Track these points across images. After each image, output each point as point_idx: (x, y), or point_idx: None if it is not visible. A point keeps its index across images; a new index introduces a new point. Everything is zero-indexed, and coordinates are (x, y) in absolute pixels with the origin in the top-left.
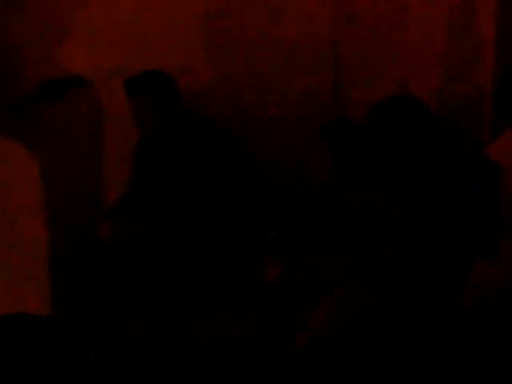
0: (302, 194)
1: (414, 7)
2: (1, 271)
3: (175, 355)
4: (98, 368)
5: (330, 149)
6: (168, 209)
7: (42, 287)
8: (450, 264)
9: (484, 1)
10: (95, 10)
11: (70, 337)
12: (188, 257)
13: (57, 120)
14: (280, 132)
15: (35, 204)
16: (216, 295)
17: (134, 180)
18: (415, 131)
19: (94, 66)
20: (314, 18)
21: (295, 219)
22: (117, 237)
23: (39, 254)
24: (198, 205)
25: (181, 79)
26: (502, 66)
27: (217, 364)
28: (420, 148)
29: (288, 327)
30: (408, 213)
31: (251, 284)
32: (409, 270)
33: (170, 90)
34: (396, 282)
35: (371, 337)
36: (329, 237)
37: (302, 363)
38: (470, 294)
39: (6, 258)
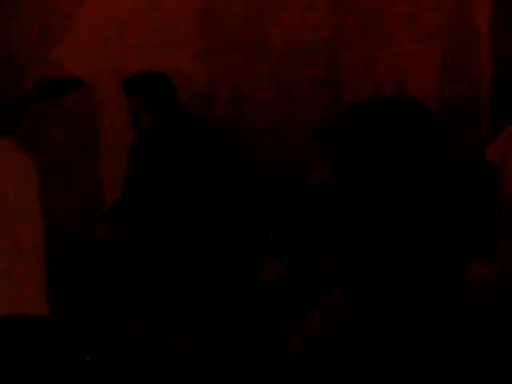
0: (302, 194)
1: (413, 8)
2: None
3: (175, 355)
4: (97, 368)
5: (325, 149)
6: (167, 209)
7: (41, 287)
8: (450, 264)
9: (480, 2)
10: (93, 10)
11: (69, 338)
12: (187, 257)
13: (55, 120)
14: (279, 132)
15: (33, 204)
16: (215, 295)
17: (131, 180)
18: (414, 132)
19: (92, 66)
20: (312, 18)
21: (295, 219)
22: (116, 237)
23: (37, 254)
24: (196, 205)
25: (178, 80)
26: (499, 64)
27: (216, 364)
28: (419, 148)
29: (286, 327)
30: (408, 213)
31: (251, 284)
32: (408, 270)
33: (167, 91)
34: (395, 282)
35: (370, 337)
36: (329, 237)
37: (301, 363)
38: (470, 294)
39: (4, 258)
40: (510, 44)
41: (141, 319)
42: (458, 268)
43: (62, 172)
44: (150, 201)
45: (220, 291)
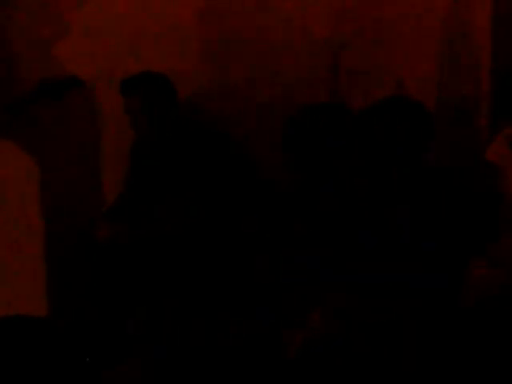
0: (302, 194)
1: (411, 8)
2: None
3: (175, 355)
4: (96, 369)
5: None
6: (167, 209)
7: (41, 288)
8: (449, 264)
9: (479, 3)
10: (92, 11)
11: (69, 338)
12: (187, 257)
13: (55, 120)
14: (277, 133)
15: (33, 204)
16: (216, 295)
17: (131, 180)
18: (414, 132)
19: (91, 66)
20: (312, 18)
21: (295, 219)
22: (115, 237)
23: (37, 254)
24: (196, 205)
25: (177, 81)
26: (499, 64)
27: (216, 364)
28: (418, 148)
29: (287, 327)
30: (407, 213)
31: (249, 284)
32: (407, 269)
33: (165, 92)
34: (395, 283)
35: (370, 337)
36: (327, 237)
37: (301, 363)
38: (470, 295)
39: (4, 259)
40: (510, 44)
41: (140, 319)
42: (457, 268)
43: (62, 172)
44: (150, 201)
45: (220, 291)
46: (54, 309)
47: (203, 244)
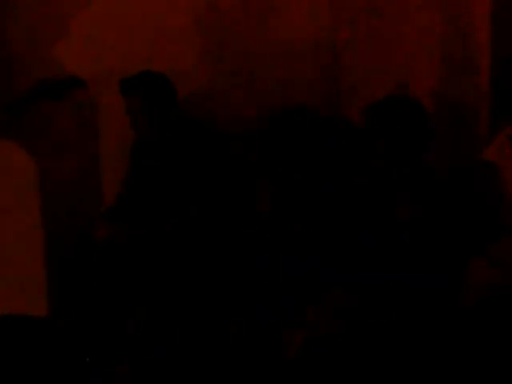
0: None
1: (411, 9)
2: None
3: (175, 355)
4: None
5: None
6: (166, 209)
7: (41, 288)
8: (449, 263)
9: (478, 4)
10: (92, 11)
11: (69, 338)
12: (187, 257)
13: (55, 120)
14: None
15: (33, 204)
16: (215, 295)
17: (131, 180)
18: (413, 132)
19: (91, 66)
20: (312, 17)
21: (295, 219)
22: (114, 237)
23: (37, 254)
24: (196, 205)
25: (177, 80)
26: (499, 65)
27: (215, 364)
28: (417, 148)
29: (287, 327)
30: (407, 213)
31: (249, 283)
32: (407, 270)
33: (165, 91)
34: (395, 282)
35: (370, 337)
36: (329, 236)
37: (301, 363)
38: (470, 295)
39: (4, 259)
40: (509, 45)
41: (140, 319)
42: (457, 268)
43: (62, 172)
44: (150, 201)
45: (220, 291)
46: (54, 309)
47: (203, 244)
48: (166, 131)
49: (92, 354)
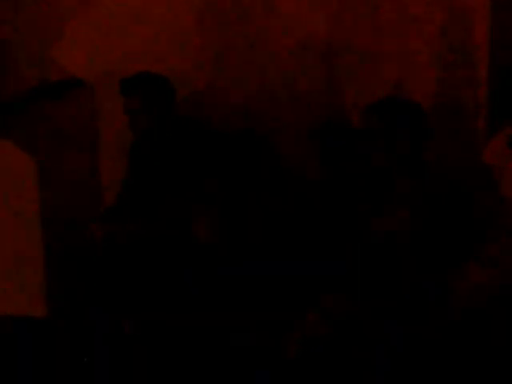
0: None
1: (410, 10)
2: None
3: (174, 355)
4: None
5: (318, 150)
6: (165, 209)
7: (40, 288)
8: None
9: (478, 2)
10: (91, 12)
11: (68, 338)
12: (185, 256)
13: (55, 120)
14: (275, 133)
15: (33, 204)
16: (214, 295)
17: (130, 180)
18: (412, 133)
19: (91, 67)
20: (310, 19)
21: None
22: (110, 238)
23: (36, 254)
24: (192, 204)
25: (176, 81)
26: (497, 66)
27: (215, 364)
28: (415, 149)
29: (285, 328)
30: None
31: (249, 283)
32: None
33: (165, 91)
34: (392, 284)
35: (366, 338)
36: (327, 239)
37: (299, 363)
38: (467, 295)
39: (3, 259)
40: (507, 46)
41: (138, 319)
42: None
43: (61, 172)
44: (149, 201)
45: (219, 291)
46: (54, 309)
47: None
48: (165, 131)
49: (90, 354)
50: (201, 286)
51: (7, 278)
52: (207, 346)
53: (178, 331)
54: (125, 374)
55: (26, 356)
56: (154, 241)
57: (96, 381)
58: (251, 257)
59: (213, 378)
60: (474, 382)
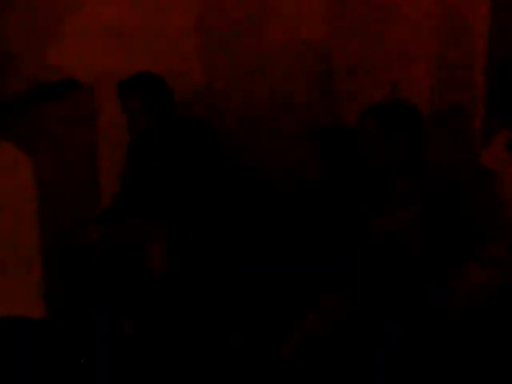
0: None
1: (406, 11)
2: None
3: (172, 355)
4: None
5: (318, 150)
6: (165, 209)
7: (37, 288)
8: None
9: (476, 4)
10: (88, 13)
11: (66, 339)
12: (185, 256)
13: (53, 121)
14: (272, 133)
15: (31, 205)
16: (214, 295)
17: (128, 180)
18: (410, 135)
19: (90, 67)
20: (310, 20)
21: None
22: (107, 239)
23: (33, 256)
24: (194, 205)
25: (173, 82)
26: (494, 69)
27: (214, 364)
28: (412, 151)
29: (284, 327)
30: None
31: (248, 284)
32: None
33: (162, 93)
34: (390, 285)
35: (366, 338)
36: (327, 240)
37: (298, 364)
38: (467, 295)
39: (1, 260)
40: (505, 49)
41: (138, 319)
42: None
43: (60, 173)
44: (147, 201)
45: (219, 291)
46: (53, 309)
47: (201, 243)
48: (164, 131)
49: (88, 355)
50: (201, 286)
51: (4, 279)
52: (207, 345)
53: (178, 331)
54: (125, 374)
55: (26, 356)
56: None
57: (96, 381)
58: (251, 257)
59: (213, 378)
60: (474, 382)
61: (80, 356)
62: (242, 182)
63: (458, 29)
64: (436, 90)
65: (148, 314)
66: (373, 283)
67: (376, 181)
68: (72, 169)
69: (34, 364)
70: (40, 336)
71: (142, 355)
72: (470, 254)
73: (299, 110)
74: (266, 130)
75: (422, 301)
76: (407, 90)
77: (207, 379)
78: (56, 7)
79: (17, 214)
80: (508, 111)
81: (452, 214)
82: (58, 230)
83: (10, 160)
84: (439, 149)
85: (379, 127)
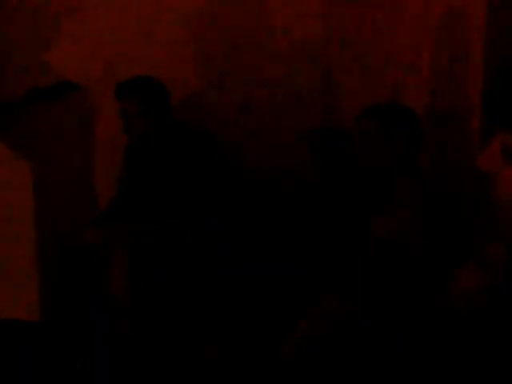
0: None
1: (404, 16)
2: None
3: (172, 355)
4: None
5: (317, 150)
6: (162, 212)
7: (33, 290)
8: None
9: (473, 9)
10: (85, 17)
11: (62, 343)
12: (183, 256)
13: (51, 123)
14: (268, 137)
15: (26, 205)
16: (213, 295)
17: (126, 183)
18: (408, 137)
19: (86, 71)
20: (309, 22)
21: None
22: (104, 242)
23: (30, 257)
24: (190, 207)
25: (169, 85)
26: (491, 71)
27: (214, 364)
28: (410, 153)
29: (284, 327)
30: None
31: (247, 283)
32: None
33: (160, 95)
34: (388, 288)
35: (366, 338)
36: (322, 241)
37: (297, 364)
38: (467, 295)
39: None
40: (502, 51)
41: (138, 319)
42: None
43: (57, 176)
44: (145, 204)
45: (219, 291)
46: (53, 310)
47: (199, 245)
48: (161, 135)
49: (83, 359)
50: (201, 286)
51: (0, 282)
52: (207, 346)
53: (178, 331)
54: (125, 374)
55: (26, 357)
56: (152, 242)
57: (96, 381)
58: (251, 257)
59: (212, 378)
60: (474, 382)
61: (79, 357)
62: (240, 183)
63: (456, 30)
64: (433, 92)
65: (148, 314)
66: (373, 283)
67: (376, 181)
68: (68, 171)
69: (33, 365)
70: (39, 337)
71: (142, 355)
72: (470, 254)
73: (299, 110)
74: (265, 130)
75: (421, 301)
76: (404, 90)
77: (207, 379)
78: (54, 11)
79: (12, 216)
80: (504, 113)
81: (451, 215)
82: (57, 231)
83: (5, 162)
84: (437, 150)
85: (379, 127)
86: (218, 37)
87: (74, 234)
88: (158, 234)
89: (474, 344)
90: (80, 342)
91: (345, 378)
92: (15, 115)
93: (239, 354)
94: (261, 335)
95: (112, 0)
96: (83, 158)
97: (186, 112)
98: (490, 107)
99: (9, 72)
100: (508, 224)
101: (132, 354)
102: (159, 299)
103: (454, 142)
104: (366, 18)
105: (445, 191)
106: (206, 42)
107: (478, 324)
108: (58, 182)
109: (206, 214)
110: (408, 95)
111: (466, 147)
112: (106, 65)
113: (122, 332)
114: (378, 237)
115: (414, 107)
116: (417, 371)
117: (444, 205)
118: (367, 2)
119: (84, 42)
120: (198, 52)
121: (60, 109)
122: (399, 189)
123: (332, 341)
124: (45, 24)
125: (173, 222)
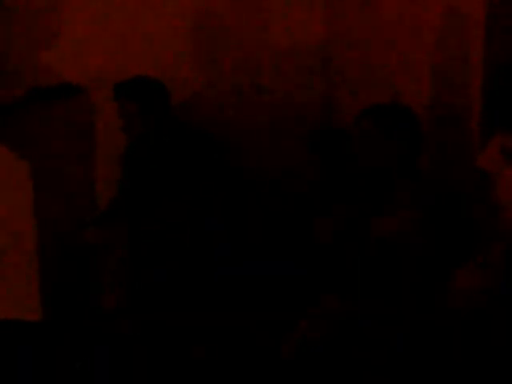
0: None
1: (404, 19)
2: None
3: (172, 355)
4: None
5: (318, 151)
6: (162, 212)
7: (33, 291)
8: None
9: (472, 11)
10: (84, 18)
11: (62, 342)
12: (183, 257)
13: (50, 124)
14: (268, 138)
15: (27, 208)
16: (212, 295)
17: (126, 184)
18: (408, 138)
19: (86, 72)
20: (309, 23)
21: (288, 223)
22: (103, 242)
23: (29, 257)
24: (190, 208)
25: (169, 85)
26: (490, 72)
27: (212, 364)
28: (410, 154)
29: (284, 327)
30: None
31: (246, 284)
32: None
33: (160, 95)
34: (388, 288)
35: (366, 338)
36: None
37: (297, 364)
38: (467, 296)
39: None
40: (501, 52)
41: (138, 319)
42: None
43: (56, 177)
44: (145, 204)
45: (219, 291)
46: (53, 310)
47: (199, 245)
48: (161, 135)
49: (83, 359)
50: (201, 286)
51: (0, 282)
52: (207, 345)
53: (178, 331)
54: (125, 374)
55: (26, 357)
56: (150, 241)
57: (96, 381)
58: (251, 257)
59: (212, 378)
60: (474, 382)
61: (79, 357)
62: (240, 184)
63: (456, 33)
64: (432, 93)
65: (148, 313)
66: (373, 283)
67: (376, 181)
68: (68, 172)
69: (33, 365)
70: (39, 337)
71: (142, 355)
72: (470, 254)
73: (299, 110)
74: (265, 130)
75: (421, 301)
76: (404, 91)
77: (207, 379)
78: (54, 12)
79: (12, 217)
80: (504, 114)
81: (451, 215)
82: (57, 231)
83: (5, 162)
84: (437, 151)
85: (379, 127)
86: (218, 37)
87: (74, 234)
88: (157, 234)
89: (473, 344)
90: (80, 341)
91: (345, 378)
92: (15, 115)
93: (239, 354)
94: (261, 335)
95: (112, 0)
96: (83, 158)
97: (185, 112)
98: (489, 107)
99: (9, 72)
100: (508, 224)
101: (132, 353)
102: (159, 299)
103: (454, 142)
104: (366, 18)
105: (445, 191)
106: (207, 42)
107: (478, 324)
108: (58, 182)
109: (206, 213)
110: (408, 95)
111: (465, 147)
112: (106, 65)
113: (121, 332)
114: (378, 237)
115: (413, 107)
116: (417, 371)
117: (444, 205)
118: (367, 3)
119: (84, 41)
120: (198, 52)
121: (60, 109)
122: (399, 189)
123: (332, 341)
124: (44, 24)
125: (173, 221)
